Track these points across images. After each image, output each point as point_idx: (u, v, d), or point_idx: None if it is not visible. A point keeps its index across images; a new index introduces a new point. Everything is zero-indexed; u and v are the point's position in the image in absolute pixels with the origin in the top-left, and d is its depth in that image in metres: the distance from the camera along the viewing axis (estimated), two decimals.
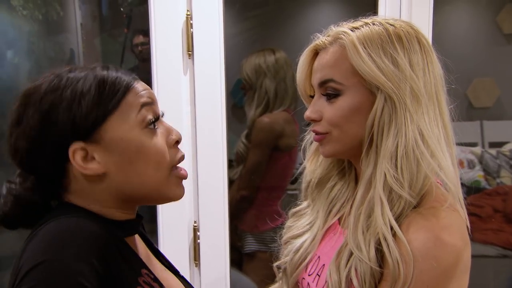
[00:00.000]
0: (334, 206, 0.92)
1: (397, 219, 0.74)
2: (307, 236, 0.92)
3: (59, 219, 0.66)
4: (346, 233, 0.81)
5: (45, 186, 0.72)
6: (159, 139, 0.74)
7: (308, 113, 0.84)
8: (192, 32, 1.51)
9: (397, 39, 0.77)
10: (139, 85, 0.74)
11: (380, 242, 0.74)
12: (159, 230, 1.56)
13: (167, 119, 0.79)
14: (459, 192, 0.79)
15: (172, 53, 1.52)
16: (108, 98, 0.70)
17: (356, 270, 0.76)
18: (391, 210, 0.74)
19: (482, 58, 3.20)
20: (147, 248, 0.85)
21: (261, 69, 1.92)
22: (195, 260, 1.59)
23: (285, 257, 0.95)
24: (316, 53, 0.85)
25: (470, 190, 2.87)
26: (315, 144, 0.92)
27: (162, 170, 0.73)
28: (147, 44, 2.15)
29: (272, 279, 1.05)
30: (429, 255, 0.70)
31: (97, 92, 0.69)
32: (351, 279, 0.76)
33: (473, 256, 0.76)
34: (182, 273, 0.91)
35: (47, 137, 0.69)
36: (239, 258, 2.00)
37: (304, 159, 0.97)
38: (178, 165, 0.77)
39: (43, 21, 2.10)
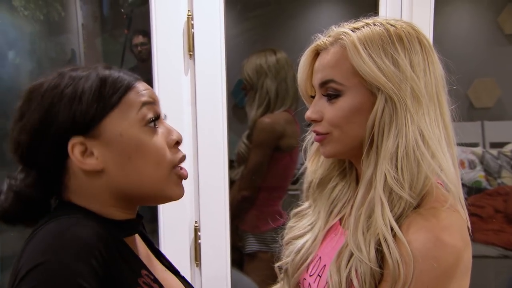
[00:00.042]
0: (335, 207, 0.91)
1: (398, 219, 0.74)
2: (308, 237, 0.92)
3: (58, 220, 0.67)
4: (347, 233, 0.81)
5: (45, 182, 0.72)
6: (159, 138, 0.74)
7: (308, 114, 0.84)
8: (193, 32, 1.52)
9: (398, 40, 0.77)
10: (141, 85, 0.75)
11: (380, 243, 0.74)
12: (160, 230, 1.56)
13: (167, 119, 0.79)
14: (459, 193, 0.79)
15: (173, 53, 1.52)
16: (108, 94, 0.71)
17: (356, 270, 0.76)
18: (391, 211, 0.74)
19: (483, 58, 3.20)
20: (147, 248, 0.85)
21: (262, 70, 1.92)
22: (196, 260, 1.59)
23: (287, 258, 0.95)
24: (317, 53, 0.85)
25: (471, 190, 2.87)
26: (316, 144, 0.92)
27: (161, 169, 0.73)
28: (146, 44, 2.16)
29: (273, 279, 1.05)
30: (429, 256, 0.70)
31: (98, 89, 0.70)
32: (351, 279, 0.76)
33: (474, 257, 0.76)
34: (182, 273, 0.91)
35: (47, 131, 0.69)
36: (240, 258, 2.00)
37: (305, 160, 0.97)
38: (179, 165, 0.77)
39: (45, 21, 2.10)
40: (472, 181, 2.99)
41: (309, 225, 0.94)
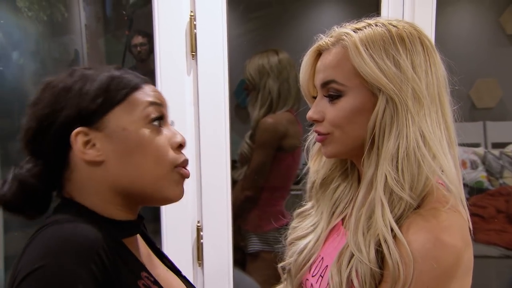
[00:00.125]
0: (337, 207, 0.91)
1: (398, 220, 0.74)
2: (311, 237, 0.92)
3: (58, 223, 0.67)
4: (348, 234, 0.81)
5: (49, 173, 0.74)
6: (162, 138, 0.75)
7: (310, 114, 0.84)
8: (195, 33, 1.52)
9: (400, 41, 0.77)
10: (149, 87, 0.77)
11: (380, 244, 0.73)
12: (162, 230, 1.56)
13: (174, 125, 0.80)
14: (461, 193, 0.79)
15: (175, 53, 1.52)
16: (115, 90, 0.73)
17: (357, 271, 0.75)
18: (391, 212, 0.74)
19: (485, 58, 3.20)
20: (148, 248, 0.85)
21: (265, 70, 1.92)
22: (198, 259, 1.59)
23: (290, 258, 0.95)
24: (319, 53, 0.85)
25: (473, 190, 2.87)
26: (318, 144, 0.92)
27: (161, 167, 0.74)
28: (145, 44, 2.17)
29: (275, 279, 1.05)
30: (429, 256, 0.70)
31: (106, 84, 0.73)
32: (352, 280, 0.76)
33: (475, 257, 0.75)
34: (185, 272, 0.91)
35: (54, 119, 0.71)
36: (242, 258, 2.01)
37: (307, 159, 0.97)
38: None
39: (48, 22, 2.11)
40: (474, 181, 2.99)
41: (312, 225, 0.94)
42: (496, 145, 3.23)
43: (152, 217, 1.60)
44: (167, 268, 0.87)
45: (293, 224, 0.99)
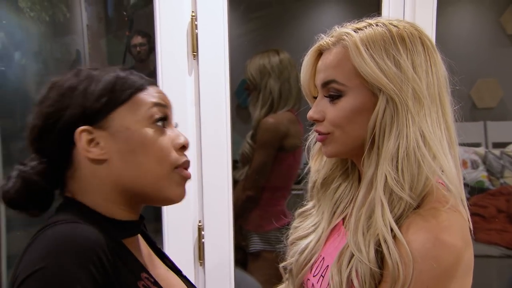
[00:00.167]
0: (338, 207, 0.91)
1: (398, 220, 0.74)
2: (312, 237, 0.92)
3: (58, 224, 0.67)
4: (348, 234, 0.81)
5: (53, 170, 0.74)
6: (165, 138, 0.75)
7: (310, 113, 0.84)
8: (197, 33, 1.52)
9: (400, 41, 0.77)
10: (154, 88, 0.78)
11: (380, 244, 0.73)
12: (164, 230, 1.56)
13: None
14: (461, 193, 0.79)
15: (177, 53, 1.53)
16: (120, 90, 0.74)
17: (357, 271, 0.76)
18: (391, 212, 0.74)
19: (486, 58, 3.20)
20: (149, 248, 0.85)
21: (266, 70, 1.93)
22: (199, 259, 1.60)
23: (291, 258, 0.95)
24: (320, 53, 0.85)
25: (474, 190, 2.87)
26: (319, 144, 0.92)
27: (163, 167, 0.74)
28: (145, 45, 2.17)
29: (276, 278, 1.05)
30: (428, 256, 0.70)
31: (111, 84, 0.74)
32: (352, 280, 0.76)
33: (476, 256, 0.75)
34: (186, 272, 0.91)
35: (59, 116, 0.72)
36: (243, 258, 2.01)
37: (308, 159, 0.97)
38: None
39: (50, 22, 2.11)
40: (475, 181, 2.99)
41: (313, 225, 0.94)
42: (496, 145, 3.23)
43: (154, 216, 1.60)
44: (168, 268, 0.87)
45: (295, 224, 1.00)
